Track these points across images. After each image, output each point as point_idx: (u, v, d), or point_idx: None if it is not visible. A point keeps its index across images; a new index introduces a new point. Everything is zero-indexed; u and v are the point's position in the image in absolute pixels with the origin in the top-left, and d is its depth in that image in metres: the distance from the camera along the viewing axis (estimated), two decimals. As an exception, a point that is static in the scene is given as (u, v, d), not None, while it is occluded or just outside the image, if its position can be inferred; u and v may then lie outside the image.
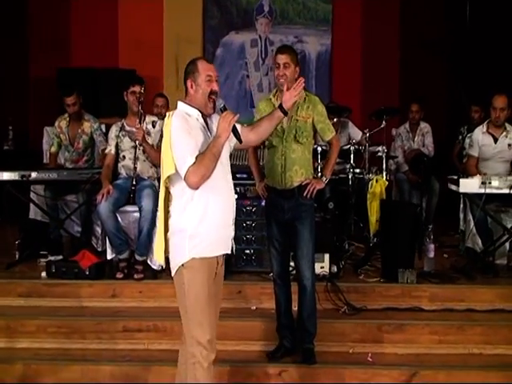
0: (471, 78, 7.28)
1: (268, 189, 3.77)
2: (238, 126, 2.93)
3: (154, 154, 4.51)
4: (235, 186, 4.67)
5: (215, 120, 2.88)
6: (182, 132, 2.78)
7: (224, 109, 2.83)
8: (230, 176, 2.96)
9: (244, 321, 4.14)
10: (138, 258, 4.47)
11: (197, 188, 2.77)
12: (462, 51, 7.48)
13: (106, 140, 4.84)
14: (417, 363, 3.85)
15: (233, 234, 2.98)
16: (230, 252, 2.99)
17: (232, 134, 2.83)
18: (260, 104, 3.82)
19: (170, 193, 2.90)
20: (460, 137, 6.55)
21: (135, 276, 4.43)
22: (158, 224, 2.99)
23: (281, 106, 3.08)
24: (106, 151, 4.73)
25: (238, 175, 4.77)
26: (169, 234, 2.88)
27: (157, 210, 4.39)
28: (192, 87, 2.87)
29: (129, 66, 6.83)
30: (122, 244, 4.47)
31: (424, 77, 7.24)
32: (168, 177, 2.83)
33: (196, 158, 2.73)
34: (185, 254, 2.81)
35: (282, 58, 3.59)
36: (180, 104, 2.92)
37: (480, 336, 4.08)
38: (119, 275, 4.43)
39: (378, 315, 4.20)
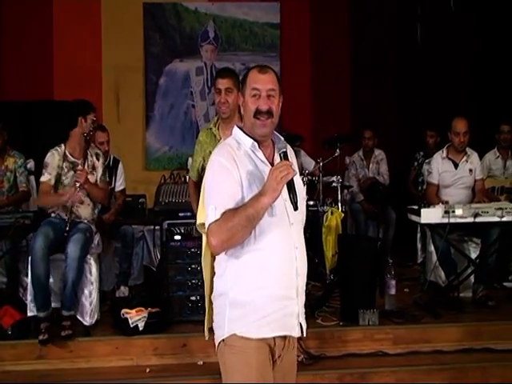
0: (423, 103, 7.20)
1: None
2: (299, 186, 2.21)
3: (96, 193, 4.12)
4: (177, 225, 4.49)
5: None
6: (217, 172, 2.18)
7: (284, 156, 2.15)
8: (296, 231, 2.20)
9: (190, 378, 3.76)
10: (64, 313, 3.96)
11: (218, 253, 2.18)
12: (413, 76, 7.41)
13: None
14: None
15: (297, 309, 2.21)
16: (294, 335, 2.23)
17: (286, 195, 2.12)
18: (201, 135, 3.52)
19: None
20: (416, 163, 6.43)
21: (62, 333, 3.88)
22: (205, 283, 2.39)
23: None
24: (43, 179, 4.08)
25: (180, 214, 4.45)
26: (212, 296, 2.29)
27: (84, 258, 4.01)
28: (242, 105, 2.26)
29: (65, 98, 6.42)
30: (46, 299, 3.94)
31: (375, 103, 7.16)
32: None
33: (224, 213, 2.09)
34: (224, 325, 2.20)
35: (224, 83, 3.32)
36: (235, 129, 2.29)
37: (449, 380, 3.85)
38: (42, 337, 3.85)
39: (338, 363, 3.91)
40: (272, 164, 2.19)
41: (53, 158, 4.12)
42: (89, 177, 4.10)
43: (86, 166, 4.13)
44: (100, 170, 4.25)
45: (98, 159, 4.26)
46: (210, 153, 3.25)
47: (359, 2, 7.38)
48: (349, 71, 7.35)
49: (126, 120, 6.98)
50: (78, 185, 4.00)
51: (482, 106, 7.30)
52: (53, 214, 4.16)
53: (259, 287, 2.14)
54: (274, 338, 2.18)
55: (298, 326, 2.21)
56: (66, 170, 4.13)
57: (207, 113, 7.20)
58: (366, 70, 7.33)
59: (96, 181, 4.19)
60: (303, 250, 2.23)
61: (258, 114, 2.17)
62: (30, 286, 3.98)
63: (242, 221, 2.04)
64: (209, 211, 2.11)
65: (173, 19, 7.18)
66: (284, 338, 2.21)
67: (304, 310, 2.26)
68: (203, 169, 3.46)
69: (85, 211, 4.15)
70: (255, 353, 2.16)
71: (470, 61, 7.43)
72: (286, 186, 2.08)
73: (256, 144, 2.20)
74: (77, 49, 6.84)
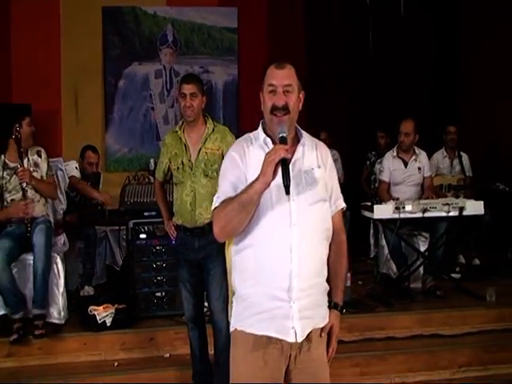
0: (375, 106, 7.48)
1: (177, 227, 3.54)
2: (316, 183, 2.19)
3: (44, 188, 4.21)
4: (143, 224, 4.60)
5: (302, 151, 2.22)
6: (227, 163, 2.21)
7: (281, 140, 2.10)
8: (298, 232, 2.12)
9: (157, 371, 3.89)
10: (36, 311, 3.99)
11: (221, 240, 2.22)
12: (365, 80, 7.68)
13: None
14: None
15: (291, 313, 2.11)
16: (288, 340, 2.12)
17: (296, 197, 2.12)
18: (166, 138, 3.64)
19: None
20: (368, 162, 6.68)
21: (36, 332, 3.94)
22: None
23: None
24: None
25: (145, 213, 4.56)
26: None
27: (51, 246, 4.08)
28: (261, 101, 2.22)
29: (23, 101, 6.42)
30: (18, 302, 3.98)
31: (329, 106, 7.37)
32: None
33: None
34: (232, 320, 2.25)
35: (189, 88, 3.43)
36: (260, 125, 2.28)
37: (402, 364, 4.10)
38: (14, 336, 3.91)
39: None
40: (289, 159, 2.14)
41: None
42: (34, 175, 4.19)
43: (27, 165, 4.20)
44: (45, 166, 4.33)
45: (39, 156, 4.33)
46: (176, 154, 3.46)
47: (314, 9, 7.56)
48: (304, 75, 7.53)
49: (85, 122, 7.00)
50: (24, 185, 4.08)
51: (430, 108, 7.66)
52: (8, 224, 4.17)
53: (255, 283, 2.14)
54: (277, 339, 2.12)
55: (298, 329, 2.11)
56: (8, 177, 4.19)
57: (166, 115, 7.26)
58: (321, 75, 7.50)
59: (41, 177, 4.27)
60: (308, 253, 2.12)
61: (274, 110, 2.15)
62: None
63: (236, 206, 2.05)
64: (216, 198, 2.18)
65: (132, 23, 7.22)
66: (291, 343, 2.13)
67: (310, 313, 2.14)
68: (169, 170, 3.57)
69: (38, 208, 4.22)
70: (253, 350, 2.14)
71: (419, 66, 7.75)
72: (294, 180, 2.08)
73: (269, 139, 2.19)
74: (35, 51, 6.79)
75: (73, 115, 6.93)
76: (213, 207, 2.19)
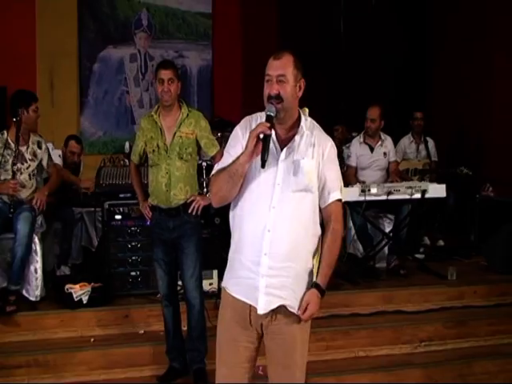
0: (345, 91, 7.64)
1: (152, 208, 3.67)
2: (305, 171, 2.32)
3: (56, 186, 4.44)
4: (118, 206, 4.71)
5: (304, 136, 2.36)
6: (232, 138, 2.41)
7: (267, 118, 2.27)
8: (276, 215, 2.28)
9: (132, 346, 4.01)
10: (11, 287, 4.09)
11: (216, 205, 2.42)
12: (336, 67, 7.81)
13: None
14: (306, 371, 3.83)
15: (260, 286, 2.28)
16: (258, 310, 2.31)
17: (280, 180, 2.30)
18: (142, 121, 3.74)
19: None
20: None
21: (7, 309, 4.03)
22: None
23: None
24: None
25: (121, 195, 4.68)
26: None
27: (32, 235, 4.20)
28: None
29: (-1, 82, 6.44)
30: (13, 275, 4.09)
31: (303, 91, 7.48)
32: None
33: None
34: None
35: (167, 74, 3.53)
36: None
37: (365, 339, 4.26)
38: (10, 308, 4.01)
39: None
40: (284, 145, 2.33)
41: None
42: (30, 163, 4.31)
43: (27, 153, 4.31)
44: (45, 157, 4.43)
45: (39, 147, 4.41)
46: (152, 138, 3.59)
47: (287, -4, 7.66)
48: None
49: (60, 105, 7.00)
50: (15, 168, 4.17)
51: (398, 94, 7.83)
52: None
53: (236, 250, 2.36)
54: (250, 305, 2.31)
55: (261, 301, 2.28)
56: (7, 157, 4.25)
57: (141, 98, 7.31)
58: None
59: (38, 166, 4.38)
60: (281, 235, 2.26)
61: (269, 98, 2.30)
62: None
63: (226, 176, 2.27)
64: (214, 168, 2.40)
65: (106, 6, 7.21)
66: (271, 310, 2.31)
67: (280, 292, 2.30)
68: (144, 152, 3.69)
69: (26, 193, 4.31)
70: (230, 308, 2.37)
71: (388, 52, 7.91)
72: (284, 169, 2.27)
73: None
74: (10, 34, 6.73)
75: (48, 98, 6.89)
76: (211, 175, 2.41)
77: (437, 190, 4.94)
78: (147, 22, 7.39)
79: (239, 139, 2.35)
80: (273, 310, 2.33)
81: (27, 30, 6.94)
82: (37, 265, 4.24)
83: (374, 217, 5.25)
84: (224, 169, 2.31)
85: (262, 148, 2.22)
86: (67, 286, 4.21)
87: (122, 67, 7.28)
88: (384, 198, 4.83)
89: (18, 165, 4.23)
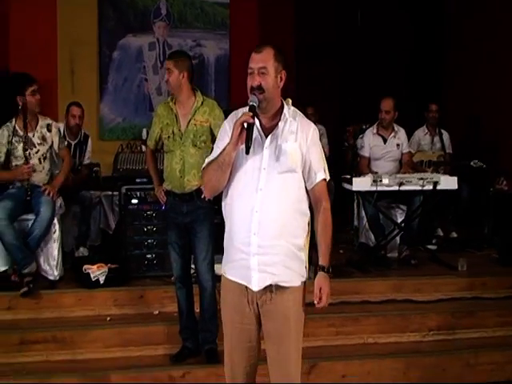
0: (362, 81, 7.67)
1: (167, 193, 3.77)
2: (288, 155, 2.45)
3: (67, 172, 4.55)
4: (134, 190, 4.82)
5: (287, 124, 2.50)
6: (220, 133, 2.57)
7: (250, 108, 2.42)
8: (263, 196, 2.42)
9: (147, 326, 4.13)
10: (24, 269, 4.20)
11: (208, 196, 2.60)
12: (352, 57, 7.84)
13: None
14: (316, 355, 3.98)
15: (252, 265, 2.44)
16: (252, 288, 2.47)
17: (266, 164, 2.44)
18: (159, 108, 3.85)
19: None
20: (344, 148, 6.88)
21: (21, 290, 4.15)
22: None
23: None
24: None
25: (137, 180, 4.79)
26: None
27: (53, 219, 4.34)
28: None
29: (21, 69, 6.54)
30: (26, 257, 4.21)
31: (317, 82, 7.54)
32: None
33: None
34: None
35: (167, 64, 3.68)
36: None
37: (374, 326, 4.31)
38: (24, 289, 4.14)
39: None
40: (269, 132, 2.48)
41: (2, 135, 4.37)
42: (39, 148, 4.41)
43: (35, 138, 4.42)
44: (56, 140, 4.52)
45: (49, 130, 4.49)
46: (167, 124, 3.70)
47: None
48: (293, 52, 7.56)
49: (80, 91, 7.08)
50: (27, 153, 4.31)
51: (414, 86, 7.85)
52: (10, 186, 4.42)
53: (229, 237, 2.51)
54: (246, 287, 2.46)
55: (254, 279, 2.43)
56: (16, 144, 4.37)
57: (159, 86, 7.35)
58: (310, 51, 7.66)
59: (49, 149, 4.48)
60: (269, 215, 2.40)
61: (252, 90, 2.44)
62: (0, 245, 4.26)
63: (215, 166, 2.44)
64: (205, 162, 2.54)
65: (126, -5, 7.31)
66: (264, 289, 2.45)
67: (272, 269, 2.43)
68: (160, 138, 3.78)
69: (39, 177, 4.43)
70: (229, 291, 2.53)
71: (406, 44, 7.94)
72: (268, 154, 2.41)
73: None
74: (33, 22, 6.81)
75: (69, 84, 7.00)
76: (202, 168, 2.56)
77: (448, 182, 4.98)
78: (166, 11, 7.45)
79: (226, 132, 2.49)
80: (267, 289, 2.46)
81: (48, 19, 7.00)
82: (56, 245, 4.38)
83: (387, 207, 5.30)
84: (213, 160, 2.46)
85: (246, 136, 2.36)
86: (85, 267, 4.34)
87: (140, 55, 7.34)
88: (396, 188, 4.87)
89: (28, 151, 4.35)
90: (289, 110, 2.53)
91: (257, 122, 2.44)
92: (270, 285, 2.46)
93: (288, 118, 2.51)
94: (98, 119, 7.15)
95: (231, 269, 2.53)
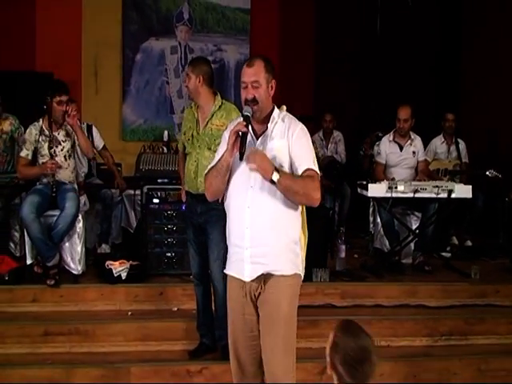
0: (380, 89, 7.74)
1: (186, 193, 3.90)
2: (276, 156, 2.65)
3: (84, 141, 4.59)
4: (156, 190, 4.95)
5: (277, 130, 2.69)
6: (221, 141, 2.80)
7: (245, 119, 2.63)
8: (255, 193, 2.62)
9: (166, 321, 4.23)
10: (49, 262, 4.37)
11: (211, 200, 2.83)
12: (372, 65, 7.90)
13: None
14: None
15: (245, 257, 2.64)
16: (244, 279, 2.67)
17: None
18: (185, 112, 4.04)
19: None
20: (361, 152, 6.94)
21: (47, 282, 4.33)
22: None
23: None
24: (22, 155, 4.52)
25: (159, 180, 4.93)
26: None
27: (78, 216, 4.48)
28: None
29: (46, 70, 6.72)
30: (50, 250, 4.36)
31: (336, 89, 7.60)
32: None
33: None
34: None
35: (186, 70, 3.87)
36: None
37: (387, 329, 4.37)
38: (50, 282, 4.32)
39: (294, 313, 4.42)
40: (260, 135, 2.71)
41: (30, 133, 4.51)
42: (63, 144, 4.54)
43: (60, 135, 4.54)
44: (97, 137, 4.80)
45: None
46: (189, 128, 3.84)
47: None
48: (313, 59, 7.75)
49: (103, 92, 7.26)
50: (53, 151, 4.43)
51: (432, 94, 7.90)
52: (37, 183, 4.56)
53: (228, 234, 2.75)
54: (243, 281, 2.65)
55: (247, 270, 2.64)
56: (42, 143, 4.50)
57: (180, 89, 7.48)
58: (329, 59, 7.73)
59: (73, 146, 4.61)
60: (259, 210, 2.60)
61: (246, 102, 2.66)
62: (27, 239, 4.42)
63: (214, 172, 2.68)
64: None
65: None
66: (259, 281, 2.63)
67: (263, 260, 2.62)
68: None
69: (64, 174, 4.56)
70: (231, 286, 2.77)
71: (424, 52, 7.99)
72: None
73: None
74: (58, 24, 6.99)
75: (92, 85, 7.17)
76: (204, 174, 2.81)
77: (463, 191, 5.01)
78: (188, 15, 7.58)
79: (225, 140, 2.69)
80: (260, 280, 2.63)
81: (73, 21, 7.17)
82: (80, 241, 4.52)
83: (402, 214, 5.35)
84: (213, 167, 2.70)
85: (240, 143, 2.57)
86: (107, 263, 4.47)
87: (163, 58, 7.47)
88: (410, 195, 4.91)
89: (53, 149, 4.48)
90: (280, 114, 2.73)
91: (250, 129, 2.65)
92: (263, 274, 2.64)
93: (277, 120, 2.71)
94: (120, 120, 7.29)
95: (229, 264, 2.76)
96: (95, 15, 7.22)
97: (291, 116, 2.77)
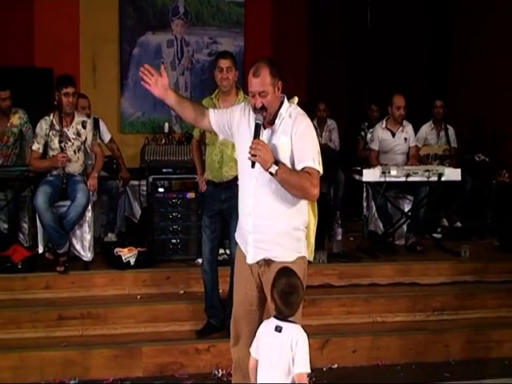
0: (371, 79, 7.92)
1: (207, 182, 4.06)
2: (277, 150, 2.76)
3: (100, 165, 4.86)
4: (161, 180, 5.13)
5: (280, 131, 2.78)
6: (236, 106, 3.02)
7: (257, 126, 2.73)
8: (258, 184, 2.77)
9: (173, 304, 4.43)
10: (59, 249, 4.56)
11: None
12: (362, 56, 8.06)
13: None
14: (329, 332, 4.30)
15: (249, 240, 2.83)
16: (249, 261, 2.85)
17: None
18: (203, 102, 4.14)
19: None
20: (362, 132, 7.12)
21: (57, 269, 4.52)
22: None
23: None
24: (34, 148, 4.68)
25: (164, 170, 5.12)
26: None
27: (88, 206, 4.67)
28: None
29: (45, 65, 6.84)
30: (62, 237, 4.55)
31: (329, 79, 7.76)
32: None
33: None
34: None
35: (225, 63, 3.90)
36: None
37: (383, 306, 4.60)
38: (60, 268, 4.51)
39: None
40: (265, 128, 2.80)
41: (41, 128, 4.68)
42: (73, 142, 4.71)
43: (70, 133, 4.72)
44: (90, 135, 4.83)
45: (84, 127, 4.78)
46: (209, 118, 3.96)
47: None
48: (306, 50, 7.88)
49: (102, 86, 7.35)
50: (63, 145, 4.62)
51: (421, 82, 8.07)
52: (48, 174, 4.74)
53: (240, 215, 2.92)
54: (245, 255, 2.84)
55: (250, 253, 2.81)
56: (52, 137, 4.67)
57: (177, 82, 7.59)
58: (322, 50, 7.88)
59: (83, 143, 4.78)
60: (261, 199, 2.75)
61: (255, 109, 2.75)
62: (40, 228, 4.61)
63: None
64: None
65: (146, -6, 7.56)
66: (260, 262, 2.79)
67: (264, 246, 2.78)
68: (204, 130, 4.00)
69: (74, 167, 4.74)
70: (238, 257, 2.96)
71: (413, 42, 8.12)
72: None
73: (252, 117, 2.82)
74: (56, 19, 7.07)
75: (90, 79, 7.25)
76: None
77: (452, 174, 5.21)
78: (184, 9, 7.68)
79: (236, 111, 2.90)
80: (265, 261, 2.79)
81: (71, 17, 7.23)
82: (89, 230, 4.73)
83: (394, 197, 5.54)
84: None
85: (254, 134, 2.68)
86: (116, 250, 4.68)
87: (159, 52, 7.59)
88: (403, 179, 5.11)
89: (63, 143, 4.66)
90: (288, 108, 2.79)
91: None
92: (264, 259, 2.80)
93: (284, 116, 2.78)
94: (118, 113, 7.43)
95: (238, 236, 2.96)
96: (93, 11, 7.29)
97: (299, 111, 2.82)
